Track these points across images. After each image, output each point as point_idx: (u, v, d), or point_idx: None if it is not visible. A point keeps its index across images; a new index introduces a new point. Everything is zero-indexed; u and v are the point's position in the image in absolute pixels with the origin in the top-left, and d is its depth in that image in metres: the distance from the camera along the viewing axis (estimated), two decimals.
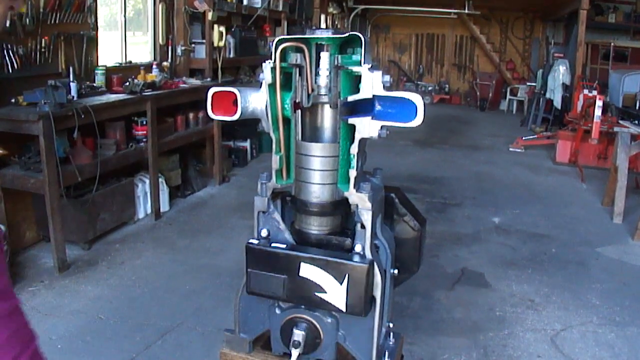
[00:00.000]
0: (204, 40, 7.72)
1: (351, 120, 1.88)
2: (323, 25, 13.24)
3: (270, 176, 2.06)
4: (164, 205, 6.86)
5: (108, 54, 6.74)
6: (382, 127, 1.84)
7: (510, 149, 11.31)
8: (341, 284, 1.91)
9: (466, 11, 17.10)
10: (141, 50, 7.52)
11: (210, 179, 8.11)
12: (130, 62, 6.99)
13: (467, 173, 9.34)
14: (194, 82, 7.39)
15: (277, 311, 2.10)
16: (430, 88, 18.65)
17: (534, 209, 7.41)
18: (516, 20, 18.99)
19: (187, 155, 7.70)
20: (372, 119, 1.85)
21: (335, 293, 1.93)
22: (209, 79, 7.60)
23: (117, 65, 6.77)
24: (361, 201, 1.92)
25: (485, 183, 8.75)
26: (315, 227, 2.06)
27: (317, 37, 1.90)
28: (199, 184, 7.79)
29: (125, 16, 6.99)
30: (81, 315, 4.50)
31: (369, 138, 1.87)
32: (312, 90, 1.92)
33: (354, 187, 1.93)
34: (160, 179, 6.68)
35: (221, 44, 7.70)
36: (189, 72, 7.77)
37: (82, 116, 5.21)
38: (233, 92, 2.01)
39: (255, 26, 9.43)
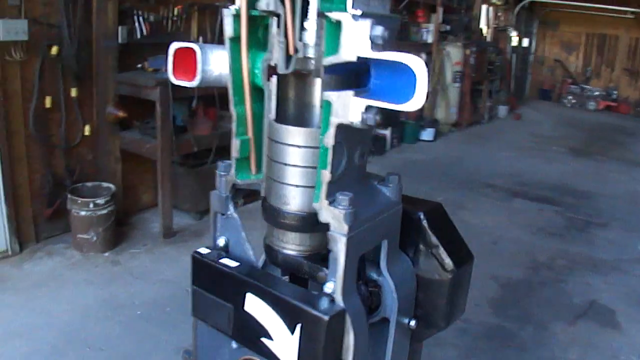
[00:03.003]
0: None
1: (326, 96, 1.14)
2: (483, 17, 12.01)
3: (230, 167, 1.37)
4: None
5: None
6: (368, 108, 1.08)
7: None
8: (292, 334, 1.20)
9: None
10: None
11: None
12: None
13: (621, 191, 7.88)
14: None
15: (234, 345, 1.43)
16: (596, 93, 16.27)
17: None
18: None
19: None
20: (355, 94, 1.09)
21: (284, 345, 1.24)
22: None
23: None
24: (334, 220, 1.17)
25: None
26: (286, 245, 1.35)
27: None
28: None
29: None
30: (169, 285, 4.27)
31: (350, 124, 1.11)
32: (295, 50, 1.19)
33: (326, 198, 1.18)
34: None
35: None
36: None
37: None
38: (193, 49, 1.33)
39: (407, 10, 8.60)
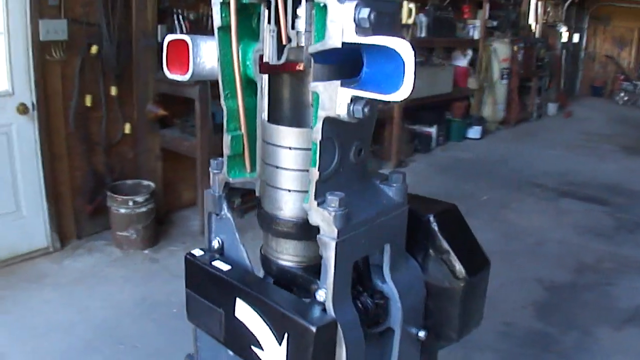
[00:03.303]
0: None
1: (313, 86, 1.03)
2: (532, 13, 11.58)
3: (223, 164, 1.28)
4: None
5: None
6: (354, 99, 0.96)
7: None
8: (280, 345, 1.10)
9: None
10: None
11: (386, 162, 7.34)
12: None
13: None
14: None
15: (230, 352, 1.33)
16: None
17: None
18: None
19: None
20: (342, 84, 0.98)
21: (272, 355, 1.13)
22: None
23: None
24: (323, 223, 1.06)
25: None
26: (280, 254, 1.24)
27: None
28: (372, 165, 7.07)
29: None
30: None
31: (337, 117, 1.00)
32: (288, 39, 1.09)
33: (315, 198, 1.07)
34: None
35: (410, 21, 6.81)
36: None
37: None
38: (185, 42, 1.24)
39: (453, 6, 8.36)
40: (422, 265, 1.33)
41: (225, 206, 1.31)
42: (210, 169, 1.33)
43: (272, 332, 1.13)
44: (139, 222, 4.64)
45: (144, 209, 4.67)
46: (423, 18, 7.49)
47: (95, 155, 4.79)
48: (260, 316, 1.14)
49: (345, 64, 1.08)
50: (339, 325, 1.08)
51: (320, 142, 1.04)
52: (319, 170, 1.06)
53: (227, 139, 1.25)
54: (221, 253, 1.35)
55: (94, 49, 4.50)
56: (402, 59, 0.89)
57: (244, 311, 1.17)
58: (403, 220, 1.24)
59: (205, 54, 1.25)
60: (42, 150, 4.38)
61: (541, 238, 5.39)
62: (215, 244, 1.35)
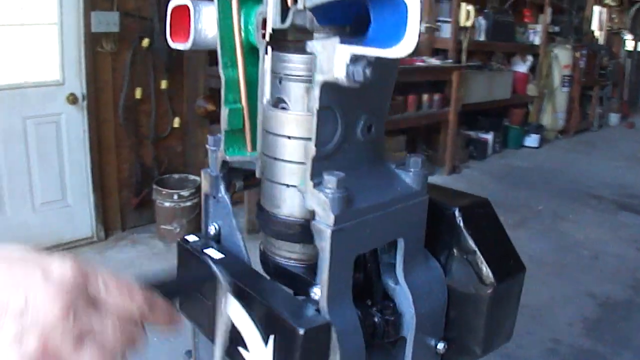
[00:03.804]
0: (450, 19, 6.65)
1: (310, 46, 0.85)
2: (595, 19, 11.02)
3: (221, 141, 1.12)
4: None
5: None
6: (353, 57, 0.78)
7: None
8: (266, 346, 0.92)
9: None
10: None
11: (439, 167, 7.09)
12: None
13: None
14: (434, 62, 6.41)
15: None
16: None
17: None
18: None
19: (416, 138, 6.80)
20: (341, 42, 0.80)
21: (257, 357, 0.95)
22: (450, 61, 6.54)
23: None
24: (319, 207, 0.88)
25: None
26: (278, 249, 1.07)
27: None
28: (388, 148, 6.81)
29: None
30: None
31: (336, 81, 0.82)
32: (293, 0, 0.92)
33: (311, 178, 0.89)
34: None
35: (468, 23, 6.55)
36: (432, 51, 6.77)
37: None
38: (187, 7, 1.09)
39: (513, 10, 8.02)
40: (445, 266, 1.13)
41: (222, 188, 1.15)
42: (207, 145, 1.16)
43: (258, 330, 0.95)
44: (183, 216, 4.56)
45: (189, 203, 4.58)
46: (482, 21, 7.20)
47: (143, 148, 4.73)
48: (247, 312, 0.97)
49: (353, 25, 0.90)
50: (333, 329, 0.90)
51: (317, 111, 0.86)
52: (315, 145, 0.88)
53: (224, 112, 1.09)
54: (218, 240, 1.18)
55: (146, 42, 4.45)
56: (406, 6, 0.71)
57: (233, 307, 1.01)
58: (422, 212, 1.05)
59: (208, 21, 1.10)
60: (90, 140, 4.35)
61: (597, 251, 5.06)
62: (212, 229, 1.18)
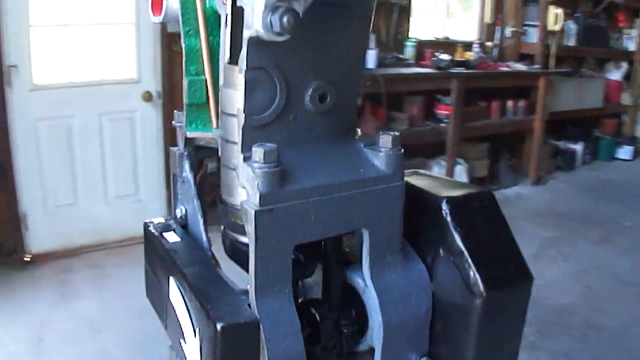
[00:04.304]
0: (537, 23, 6.26)
1: (239, 1, 0.71)
2: None
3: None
4: None
5: (424, 27, 5.87)
6: (271, 5, 0.63)
7: None
8: (195, 337, 0.79)
9: None
10: (464, 27, 6.44)
11: (523, 177, 6.69)
12: (448, 38, 6.00)
13: None
14: (519, 67, 6.06)
15: None
16: None
17: None
18: None
19: (499, 146, 6.45)
20: None
21: (191, 349, 0.82)
22: (537, 66, 6.16)
23: (433, 40, 5.86)
24: (247, 184, 0.74)
25: None
26: (234, 230, 0.92)
27: None
28: (508, 180, 6.48)
29: None
30: None
31: (257, 35, 0.67)
32: None
33: (242, 151, 0.74)
34: (460, 167, 5.62)
35: (556, 28, 6.14)
36: (518, 56, 6.41)
37: (367, 83, 4.60)
38: None
39: (606, 14, 7.45)
40: (431, 269, 0.95)
41: (187, 167, 1.02)
42: (173, 122, 1.05)
43: (192, 321, 0.82)
44: None
45: None
46: (572, 25, 6.73)
47: None
48: (184, 301, 0.84)
49: None
50: (262, 329, 0.75)
51: (245, 71, 0.72)
52: (244, 112, 0.74)
53: (185, 83, 0.97)
54: (184, 224, 1.05)
55: None
56: None
57: (174, 293, 0.88)
58: (395, 201, 0.87)
59: None
60: (164, 137, 4.37)
61: None
62: (178, 212, 1.06)
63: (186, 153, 1.02)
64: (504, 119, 6.19)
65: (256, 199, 0.72)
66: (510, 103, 6.17)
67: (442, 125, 5.45)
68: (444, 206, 0.91)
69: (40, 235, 4.00)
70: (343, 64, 0.84)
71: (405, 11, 5.43)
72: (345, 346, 0.87)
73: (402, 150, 0.85)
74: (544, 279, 4.16)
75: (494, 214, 0.97)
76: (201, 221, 0.98)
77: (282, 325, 0.77)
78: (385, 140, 0.84)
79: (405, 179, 0.94)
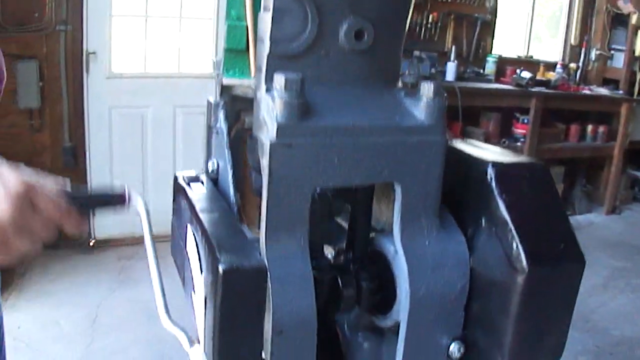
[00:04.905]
0: (624, 47, 5.96)
1: None
2: None
3: None
4: None
5: (507, 43, 5.70)
6: None
7: None
8: (201, 284, 0.73)
9: None
10: (548, 48, 6.21)
11: (598, 206, 6.36)
12: (532, 57, 5.80)
13: None
14: (602, 91, 5.79)
15: None
16: None
17: None
18: None
19: (575, 171, 6.17)
20: None
21: (198, 298, 0.75)
22: (621, 92, 5.86)
23: (515, 58, 5.68)
24: (267, 115, 0.66)
25: None
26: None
27: None
28: (582, 206, 6.18)
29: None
30: None
31: None
32: None
33: (264, 81, 0.68)
34: None
35: None
36: (602, 80, 6.12)
37: (445, 94, 4.51)
38: None
39: None
40: (471, 242, 0.85)
41: (221, 117, 0.96)
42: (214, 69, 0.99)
43: (200, 269, 0.75)
44: None
45: None
46: None
47: None
48: (197, 249, 0.78)
49: None
50: (269, 277, 0.67)
51: None
52: (270, 38, 0.67)
53: (225, 28, 0.91)
54: (215, 179, 0.99)
55: None
56: None
57: (190, 241, 0.82)
58: (433, 156, 0.77)
59: None
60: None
61: None
62: (210, 165, 1.00)
63: (222, 102, 0.96)
64: (582, 144, 5.91)
65: (274, 131, 0.65)
66: (589, 127, 5.90)
67: (518, 144, 5.26)
68: (490, 170, 0.81)
69: (106, 221, 4.07)
70: (384, 3, 0.76)
71: (488, 26, 5.28)
72: (364, 304, 0.78)
73: (446, 101, 0.76)
74: (610, 308, 3.92)
75: (547, 187, 0.85)
76: (230, 173, 0.92)
77: (292, 276, 0.69)
78: (427, 88, 0.75)
79: (454, 144, 0.85)
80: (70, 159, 3.86)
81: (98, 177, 4.00)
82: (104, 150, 3.98)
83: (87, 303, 3.38)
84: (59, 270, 3.71)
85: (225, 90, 0.89)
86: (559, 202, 0.86)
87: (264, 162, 0.65)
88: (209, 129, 1.00)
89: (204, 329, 0.73)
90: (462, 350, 0.84)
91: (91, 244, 4.05)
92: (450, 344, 0.84)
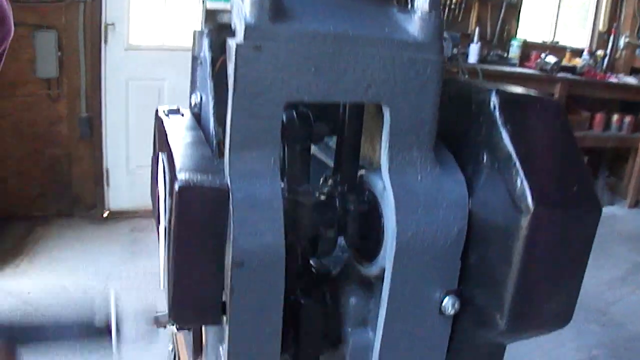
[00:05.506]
0: None
1: None
2: None
3: None
4: None
5: (533, 27, 5.53)
6: None
7: None
8: (165, 208, 0.64)
9: None
10: (575, 34, 6.01)
11: (621, 198, 6.17)
12: (558, 42, 5.62)
13: None
14: (629, 80, 5.58)
15: None
16: None
17: None
18: None
19: (598, 161, 5.98)
20: None
21: (162, 226, 0.68)
22: None
23: (541, 43, 5.50)
24: (236, 17, 0.57)
25: None
26: None
27: None
28: (604, 199, 5.98)
29: None
30: None
31: None
32: None
33: None
34: None
35: None
36: (630, 69, 5.91)
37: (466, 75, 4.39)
38: None
39: None
40: (470, 182, 0.75)
41: (205, 46, 0.86)
42: None
43: (165, 193, 0.67)
44: None
45: None
46: None
47: None
48: (164, 174, 0.69)
49: None
50: (231, 200, 0.58)
51: None
52: None
53: None
54: (197, 114, 0.91)
55: None
56: None
57: (160, 171, 0.73)
58: (428, 77, 0.67)
59: None
60: None
61: None
62: (193, 99, 0.92)
63: (206, 31, 0.87)
64: (607, 133, 5.72)
65: (241, 32, 0.56)
66: (615, 117, 5.70)
67: None
68: (493, 98, 0.71)
69: (120, 193, 4.03)
70: None
71: (513, 9, 5.12)
72: (351, 230, 0.69)
73: (443, 16, 0.65)
74: (628, 303, 3.78)
75: (560, 124, 0.75)
76: (212, 104, 0.83)
77: (258, 199, 0.60)
78: (421, 3, 0.65)
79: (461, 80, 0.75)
80: (86, 130, 3.81)
81: (113, 150, 3.95)
82: (120, 121, 3.93)
83: (98, 272, 3.35)
84: (72, 240, 3.69)
85: (210, 16, 0.80)
86: (573, 141, 0.75)
87: (230, 68, 0.56)
88: (194, 59, 0.91)
89: (163, 266, 0.64)
90: (456, 306, 0.74)
91: (105, 214, 4.01)
92: (444, 298, 0.74)
